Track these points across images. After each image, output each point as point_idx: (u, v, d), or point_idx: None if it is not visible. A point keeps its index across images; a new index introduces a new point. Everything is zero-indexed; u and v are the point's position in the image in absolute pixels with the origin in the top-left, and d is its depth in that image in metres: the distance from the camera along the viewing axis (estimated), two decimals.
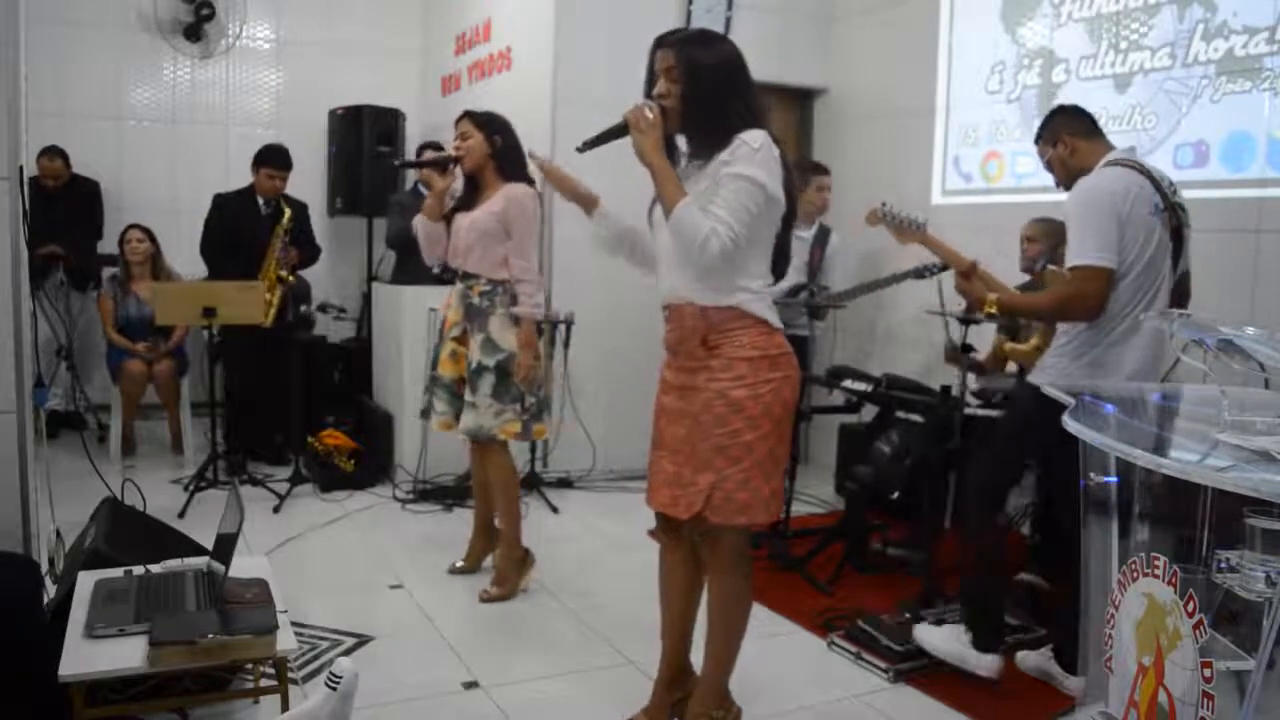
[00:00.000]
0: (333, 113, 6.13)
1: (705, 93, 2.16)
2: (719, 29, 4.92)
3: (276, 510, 4.27)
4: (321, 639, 3.00)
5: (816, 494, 4.80)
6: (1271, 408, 1.70)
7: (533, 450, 4.75)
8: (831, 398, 4.61)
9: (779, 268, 2.31)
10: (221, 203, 4.96)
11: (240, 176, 4.98)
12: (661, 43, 2.22)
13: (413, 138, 6.23)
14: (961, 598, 2.98)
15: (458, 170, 3.42)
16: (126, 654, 2.03)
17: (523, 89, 4.98)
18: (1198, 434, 1.73)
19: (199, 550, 2.73)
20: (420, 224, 3.48)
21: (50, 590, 2.72)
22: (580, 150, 2.27)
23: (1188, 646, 1.55)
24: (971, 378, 4.14)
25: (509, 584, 3.41)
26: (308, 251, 5.09)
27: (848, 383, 4.02)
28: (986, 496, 2.82)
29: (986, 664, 2.75)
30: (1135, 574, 1.70)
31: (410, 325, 4.71)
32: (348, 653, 2.90)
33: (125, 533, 2.69)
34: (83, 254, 5.46)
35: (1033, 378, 2.80)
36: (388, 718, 2.54)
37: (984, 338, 3.89)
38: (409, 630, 3.12)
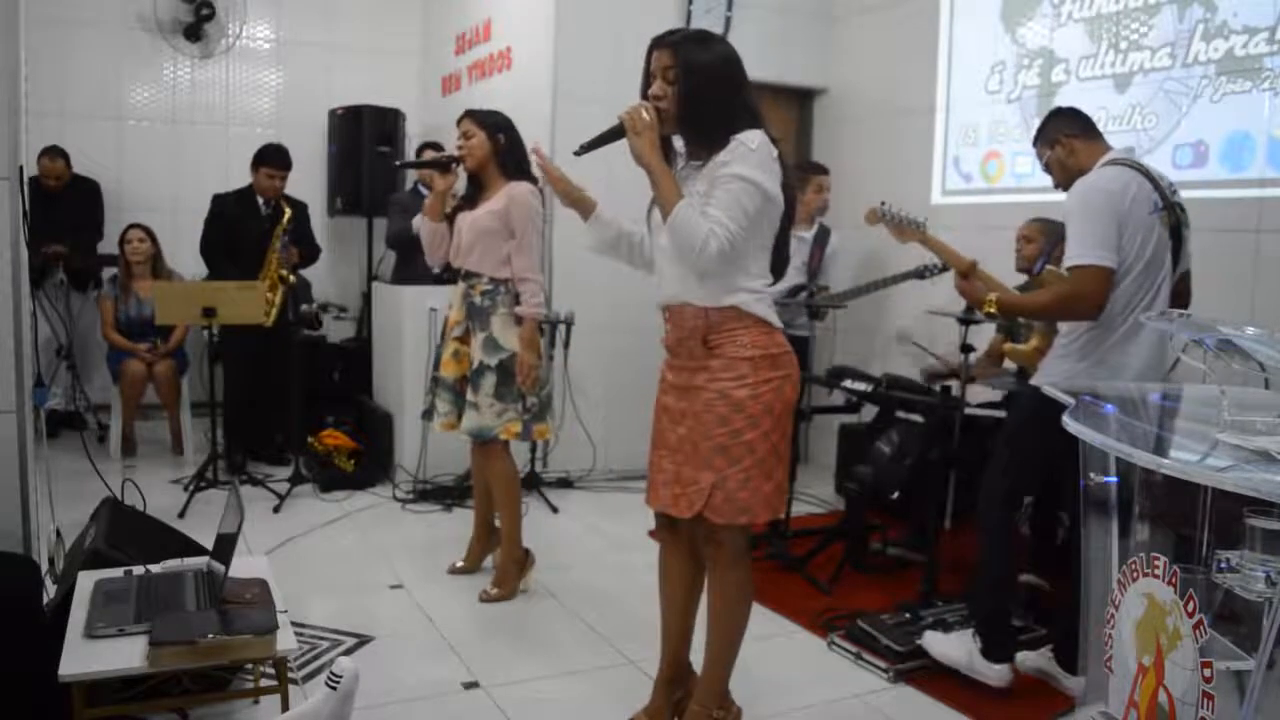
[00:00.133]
0: (333, 113, 6.13)
1: (702, 93, 2.16)
2: (719, 29, 4.92)
3: (276, 510, 4.27)
4: (321, 639, 3.00)
5: (816, 494, 4.80)
6: (1271, 408, 1.70)
7: (533, 450, 4.75)
8: (831, 398, 4.61)
9: (778, 267, 2.30)
10: (221, 203, 4.96)
11: (240, 176, 4.97)
12: (658, 43, 2.21)
13: (413, 138, 6.23)
14: (972, 606, 2.97)
15: (460, 170, 3.42)
16: (126, 654, 2.03)
17: (523, 89, 4.98)
18: (1198, 434, 1.73)
19: (199, 550, 2.72)
20: (423, 225, 3.48)
21: (50, 590, 2.72)
22: (577, 153, 2.27)
23: (1188, 646, 1.55)
24: (928, 362, 4.15)
25: (509, 584, 3.41)
26: (308, 251, 5.09)
27: (848, 383, 4.02)
28: (1002, 500, 2.81)
29: (997, 674, 2.74)
30: (1135, 574, 1.70)
31: (410, 325, 4.71)
32: (348, 653, 2.90)
33: (125, 533, 2.69)
34: (83, 254, 5.46)
35: (1037, 379, 2.79)
36: (388, 718, 2.54)
37: (984, 338, 3.90)
38: (409, 630, 3.12)
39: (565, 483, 4.88)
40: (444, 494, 4.56)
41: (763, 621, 3.04)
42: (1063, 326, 2.82)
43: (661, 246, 2.27)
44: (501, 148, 3.34)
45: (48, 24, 5.52)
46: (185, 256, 5.31)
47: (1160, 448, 1.72)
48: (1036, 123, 2.96)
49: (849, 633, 3.05)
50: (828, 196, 4.71)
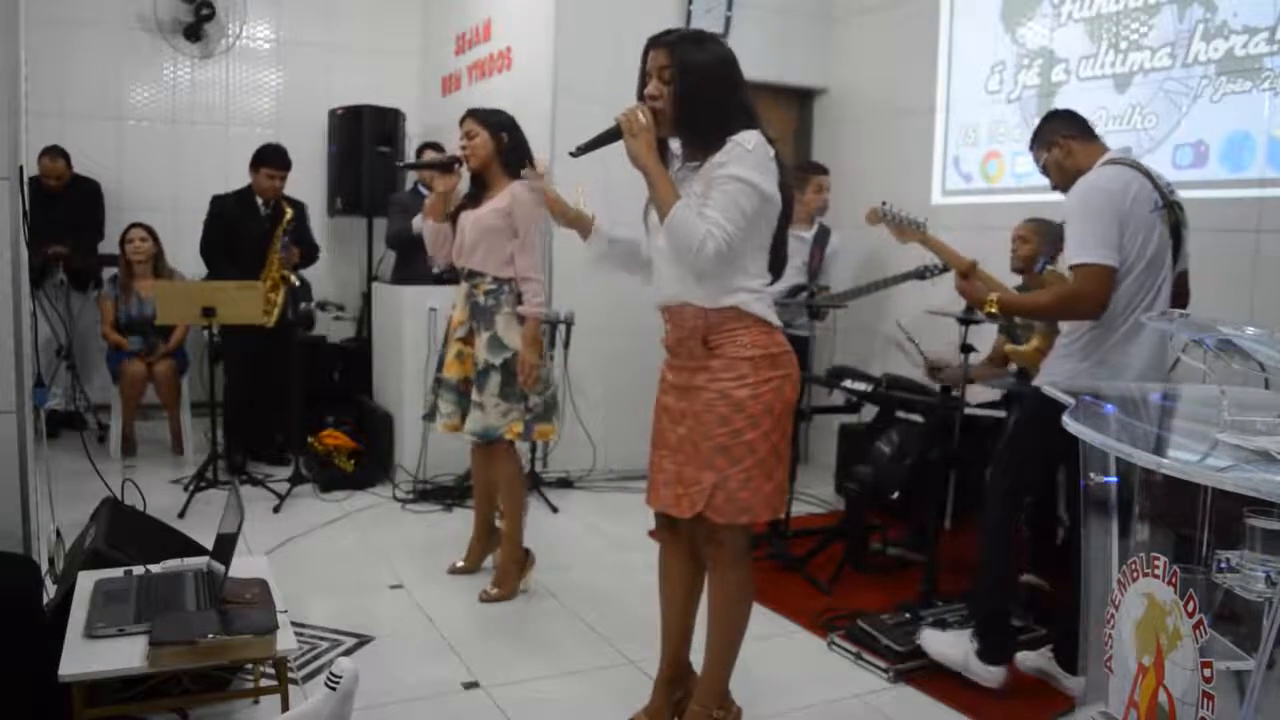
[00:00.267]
0: (333, 113, 6.13)
1: (698, 93, 2.16)
2: (719, 29, 4.93)
3: (276, 510, 4.27)
4: (321, 639, 3.00)
5: (816, 494, 4.79)
6: (1271, 408, 1.70)
7: (533, 450, 4.75)
8: (831, 398, 4.61)
9: (776, 267, 2.30)
10: (220, 204, 4.95)
11: (240, 177, 4.97)
12: (654, 42, 2.21)
13: (413, 138, 6.23)
14: (972, 607, 2.98)
15: (463, 170, 3.41)
16: (126, 654, 2.03)
17: (523, 89, 4.98)
18: (1198, 434, 1.73)
19: (199, 550, 2.72)
20: (426, 225, 3.47)
21: (50, 590, 2.72)
22: (574, 155, 2.26)
23: (1188, 646, 1.55)
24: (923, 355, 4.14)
25: (509, 584, 3.41)
26: (307, 251, 5.09)
27: (848, 383, 4.02)
28: (1002, 499, 2.81)
29: (991, 675, 2.74)
30: (1135, 574, 1.70)
31: (410, 325, 4.71)
32: (348, 653, 2.90)
33: (125, 533, 2.69)
34: (84, 254, 5.46)
35: (1039, 379, 2.79)
36: (388, 718, 2.54)
37: (984, 338, 3.90)
38: (409, 630, 3.12)
39: (565, 483, 4.88)
40: (444, 494, 4.56)
41: (763, 621, 3.04)
42: (1064, 326, 2.82)
43: (659, 248, 2.27)
44: (505, 146, 3.32)
45: (48, 24, 5.52)
46: (185, 256, 5.31)
47: (1160, 448, 1.72)
48: (1037, 123, 2.95)
49: (849, 633, 3.05)
50: (827, 196, 4.71)
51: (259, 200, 4.89)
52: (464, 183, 3.47)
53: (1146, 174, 2.67)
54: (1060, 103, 4.09)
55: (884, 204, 3.45)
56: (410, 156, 5.96)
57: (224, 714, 2.50)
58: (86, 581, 2.34)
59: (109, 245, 5.55)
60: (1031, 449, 2.75)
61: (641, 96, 2.22)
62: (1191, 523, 1.58)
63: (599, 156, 2.27)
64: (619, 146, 2.21)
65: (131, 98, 6.01)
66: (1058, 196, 2.84)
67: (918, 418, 3.90)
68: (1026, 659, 2.89)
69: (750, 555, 2.38)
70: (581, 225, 2.46)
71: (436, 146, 5.39)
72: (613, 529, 4.25)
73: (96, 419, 5.48)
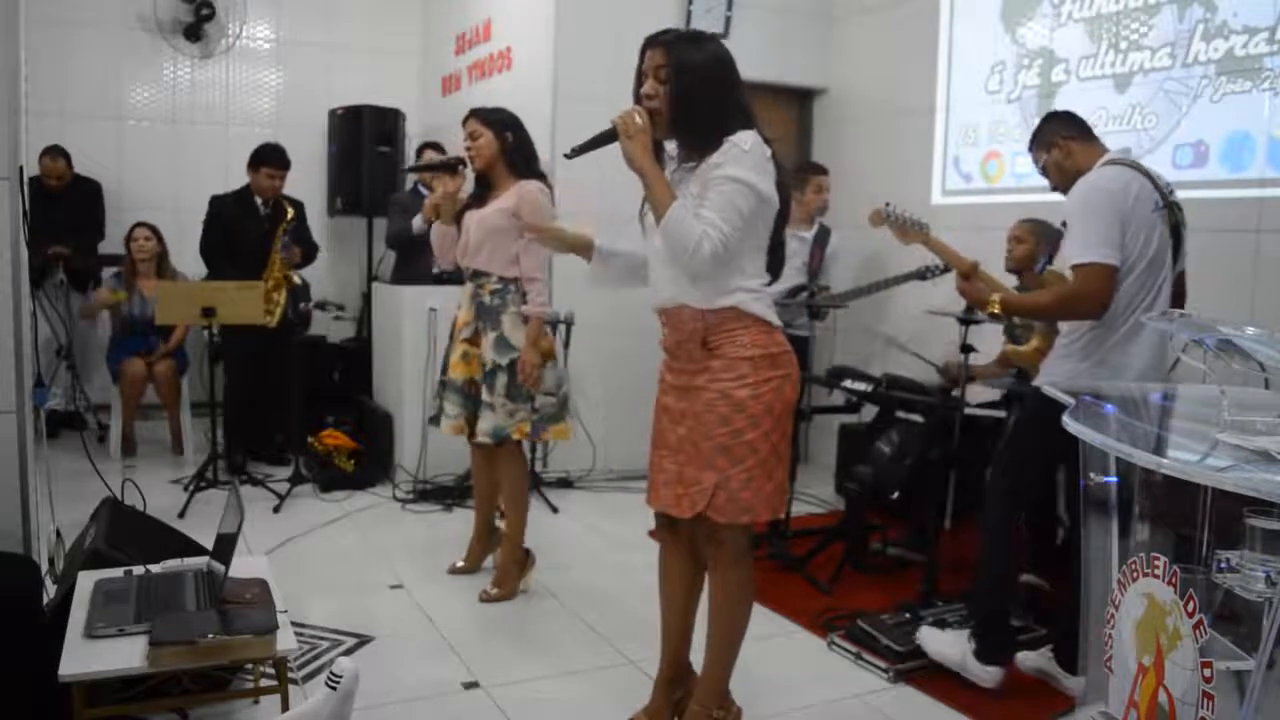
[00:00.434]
0: (333, 113, 6.13)
1: (694, 93, 2.15)
2: (719, 29, 4.93)
3: (276, 510, 4.27)
4: (321, 639, 3.00)
5: (816, 494, 4.79)
6: (1271, 408, 1.70)
7: (533, 450, 4.74)
8: (831, 398, 4.61)
9: (774, 268, 2.30)
10: (219, 204, 4.95)
11: (241, 176, 4.97)
12: (651, 42, 2.21)
13: (413, 138, 6.23)
14: (971, 607, 2.97)
15: (467, 171, 3.40)
16: (126, 654, 2.03)
17: (523, 89, 4.98)
18: (1198, 434, 1.73)
19: (199, 550, 2.72)
20: (434, 227, 3.45)
21: (50, 590, 2.72)
22: (569, 156, 2.26)
23: (1188, 646, 1.55)
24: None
25: (509, 584, 3.40)
26: (307, 250, 5.09)
27: (848, 383, 4.02)
28: (1003, 499, 2.81)
29: (988, 675, 2.74)
30: (1135, 574, 1.70)
31: (410, 325, 4.71)
32: (348, 653, 2.90)
33: (125, 533, 2.69)
34: (84, 254, 5.46)
35: (1039, 379, 2.79)
36: (388, 718, 2.54)
37: (984, 338, 3.89)
38: (409, 630, 3.12)
39: (565, 483, 4.88)
40: (444, 494, 4.56)
41: (763, 621, 3.03)
42: (1064, 326, 2.82)
43: (656, 249, 2.26)
44: (509, 146, 3.31)
45: (48, 24, 5.52)
46: (186, 257, 5.32)
47: (1160, 448, 1.72)
48: (1036, 123, 2.95)
49: (849, 633, 3.05)
50: (827, 197, 4.71)
51: (258, 200, 4.90)
52: (468, 183, 3.47)
53: (1146, 174, 2.68)
54: (1060, 103, 4.09)
55: (887, 205, 3.45)
56: (410, 156, 5.97)
57: (224, 714, 2.50)
58: (86, 581, 2.34)
59: (109, 245, 5.55)
60: (1031, 449, 2.75)
61: (638, 96, 2.21)
62: (1191, 523, 1.58)
63: (596, 158, 2.27)
64: (614, 148, 2.21)
65: (131, 98, 6.02)
66: (1058, 197, 2.84)
67: (918, 418, 3.90)
68: (1026, 659, 2.89)
69: (751, 555, 2.38)
70: (581, 249, 2.47)
71: (436, 146, 5.39)
72: (613, 529, 4.25)
73: (96, 419, 5.48)
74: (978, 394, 3.82)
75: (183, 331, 5.24)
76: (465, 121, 3.35)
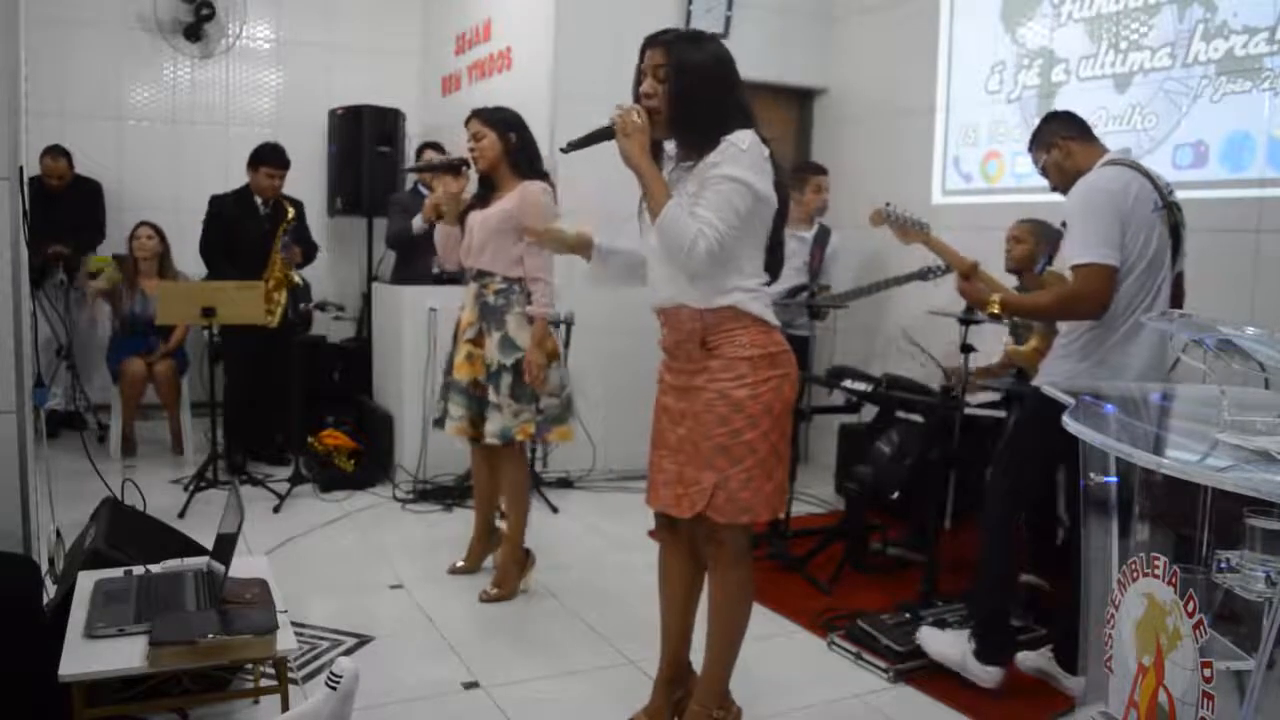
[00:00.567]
0: (333, 113, 6.13)
1: (693, 92, 2.16)
2: (719, 29, 4.93)
3: (276, 510, 4.27)
4: (321, 639, 3.00)
5: (816, 494, 4.80)
6: (1271, 408, 1.70)
7: (533, 450, 4.74)
8: (831, 398, 4.61)
9: (773, 268, 2.30)
10: (219, 204, 4.95)
11: (241, 176, 4.97)
12: (651, 41, 2.21)
13: (413, 138, 6.23)
14: (972, 607, 2.97)
15: (470, 172, 3.40)
16: (126, 654, 2.03)
17: (523, 89, 4.98)
18: (1198, 434, 1.73)
19: (199, 550, 2.72)
20: (439, 228, 3.45)
21: (50, 590, 2.72)
22: (564, 151, 2.26)
23: (1188, 646, 1.55)
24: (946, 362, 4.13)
25: (509, 584, 3.40)
26: (307, 250, 5.09)
27: (848, 383, 4.02)
28: (1003, 499, 2.81)
29: (988, 675, 2.74)
30: (1135, 574, 1.70)
31: (410, 325, 4.71)
32: (348, 653, 2.90)
33: (125, 533, 2.69)
34: (84, 254, 5.46)
35: (1038, 379, 2.79)
36: (388, 718, 2.54)
37: (984, 339, 3.89)
38: (409, 630, 3.12)
39: (565, 483, 4.88)
40: (444, 494, 4.56)
41: (763, 621, 3.04)
42: (1062, 326, 2.82)
43: (654, 248, 2.26)
44: (513, 146, 3.30)
45: (48, 24, 5.52)
46: (186, 257, 5.31)
47: (1160, 448, 1.72)
48: (1036, 123, 2.95)
49: (849, 633, 3.05)
50: (826, 196, 4.71)
51: (258, 200, 4.90)
52: (471, 184, 3.46)
53: (1146, 174, 2.68)
54: (1060, 103, 4.09)
55: (887, 205, 3.45)
56: (410, 156, 5.96)
57: (224, 714, 2.50)
58: (86, 581, 2.34)
59: (109, 245, 5.55)
60: (1031, 449, 2.75)
61: (637, 94, 2.22)
62: (1191, 523, 1.58)
63: (596, 157, 2.27)
64: (611, 146, 2.21)
65: (131, 98, 6.01)
66: (1057, 197, 2.84)
67: (918, 418, 3.90)
68: (1026, 659, 2.89)
69: (750, 555, 2.38)
70: (581, 246, 2.47)
71: (436, 146, 5.39)
72: (613, 529, 4.25)
73: (96, 419, 5.48)
74: (977, 394, 3.81)
75: (183, 331, 5.24)
76: (468, 122, 3.34)
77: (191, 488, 4.27)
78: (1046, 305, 2.91)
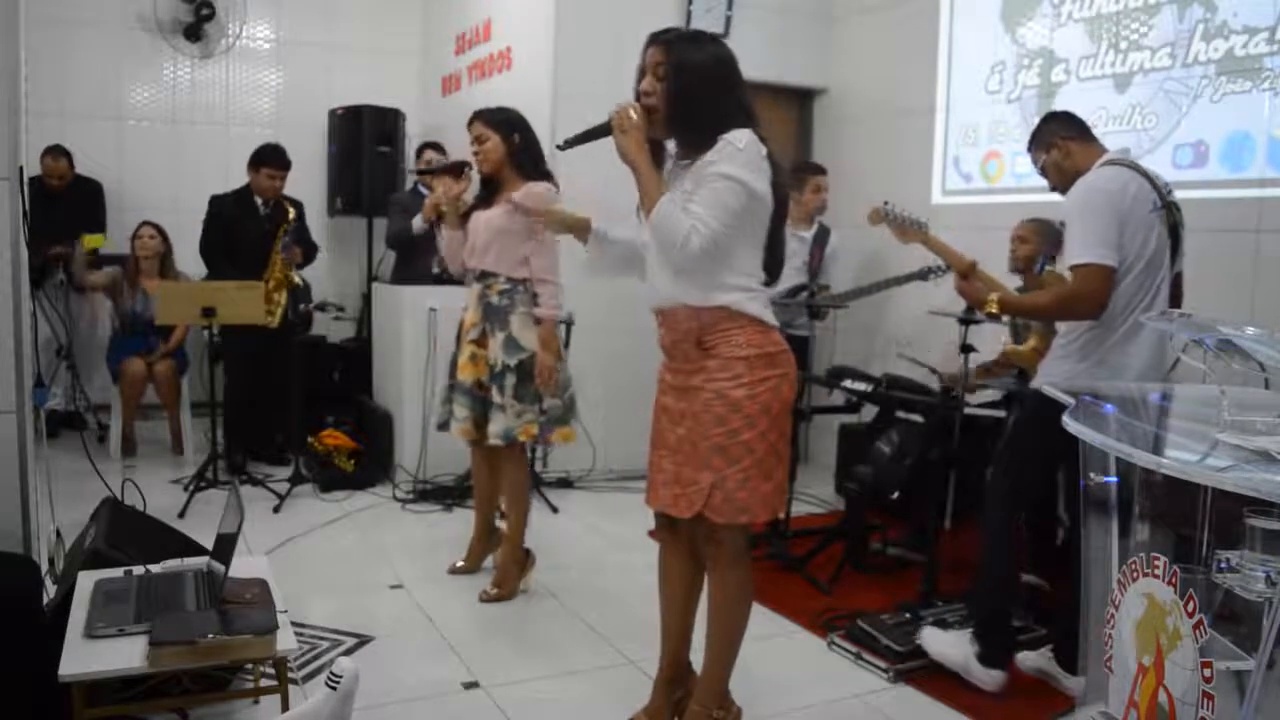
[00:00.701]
0: (333, 113, 6.13)
1: (692, 92, 2.16)
2: (719, 29, 4.93)
3: (276, 510, 4.27)
4: (321, 639, 3.00)
5: (816, 494, 4.79)
6: (1271, 408, 1.70)
7: (533, 450, 4.74)
8: (831, 398, 4.61)
9: (772, 268, 2.29)
10: (219, 204, 4.95)
11: (241, 177, 4.97)
12: (653, 40, 2.21)
13: (413, 138, 6.23)
14: (972, 607, 2.97)
15: (473, 173, 3.39)
16: (126, 654, 2.03)
17: (523, 89, 4.97)
18: (1198, 434, 1.73)
19: (199, 550, 2.72)
20: (444, 233, 3.44)
21: (50, 590, 2.72)
22: (561, 148, 2.26)
23: (1188, 646, 1.55)
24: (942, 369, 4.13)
25: (509, 584, 3.40)
26: (307, 250, 5.09)
27: (848, 383, 4.02)
28: (1003, 500, 2.80)
29: (991, 679, 2.74)
30: (1135, 574, 1.70)
31: (410, 325, 4.71)
32: (348, 653, 2.90)
33: (125, 533, 2.69)
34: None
35: (1038, 380, 2.79)
36: (388, 718, 2.54)
37: (984, 339, 3.90)
38: (409, 630, 3.12)
39: (565, 483, 4.88)
40: (444, 494, 4.56)
41: (763, 621, 3.04)
42: (1061, 327, 2.82)
43: (650, 245, 2.26)
44: (517, 148, 3.28)
45: (48, 24, 5.52)
46: (186, 257, 5.31)
47: (1160, 448, 1.72)
48: (1036, 123, 2.95)
49: (849, 633, 3.05)
50: (826, 196, 4.71)
51: (258, 200, 4.90)
52: (473, 185, 3.45)
53: (1144, 174, 2.68)
54: (1060, 103, 4.09)
55: (886, 204, 3.45)
56: (410, 157, 5.96)
57: (224, 714, 2.50)
58: (86, 581, 2.34)
59: (110, 245, 5.55)
60: (1031, 449, 2.75)
61: (638, 92, 2.22)
62: (1191, 523, 1.58)
63: (597, 157, 2.27)
64: (609, 142, 2.20)
65: (131, 98, 6.01)
66: (1058, 197, 2.84)
67: (918, 418, 3.90)
68: (1026, 659, 2.89)
69: (749, 555, 2.38)
70: (579, 230, 2.46)
71: (437, 147, 5.39)
72: (613, 529, 4.25)
73: (96, 419, 5.48)
74: (977, 394, 3.82)
75: (183, 331, 5.24)
76: (470, 124, 3.32)
77: (191, 488, 4.27)
78: (1045, 305, 2.91)
